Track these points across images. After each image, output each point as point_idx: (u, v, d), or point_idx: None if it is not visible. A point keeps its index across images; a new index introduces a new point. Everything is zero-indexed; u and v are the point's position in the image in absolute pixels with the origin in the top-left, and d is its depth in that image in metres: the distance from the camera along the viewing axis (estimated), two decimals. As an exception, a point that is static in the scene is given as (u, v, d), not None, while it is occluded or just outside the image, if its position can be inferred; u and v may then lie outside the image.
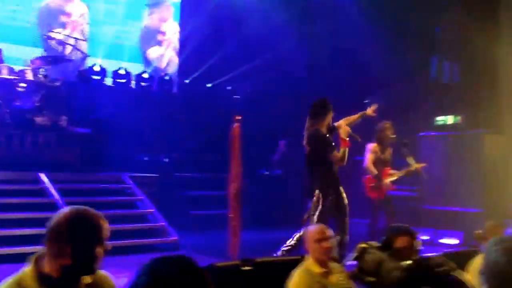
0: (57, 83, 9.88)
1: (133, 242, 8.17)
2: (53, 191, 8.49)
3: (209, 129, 11.40)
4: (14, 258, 7.05)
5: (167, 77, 12.05)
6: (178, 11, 12.61)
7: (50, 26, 10.81)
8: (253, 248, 7.75)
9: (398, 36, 11.91)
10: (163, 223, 8.86)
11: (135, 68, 11.95)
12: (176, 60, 12.38)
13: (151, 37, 12.28)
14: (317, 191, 6.32)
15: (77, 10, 11.50)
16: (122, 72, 11.45)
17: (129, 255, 7.64)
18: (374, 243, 4.09)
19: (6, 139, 8.95)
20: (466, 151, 9.90)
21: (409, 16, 11.59)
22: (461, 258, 4.53)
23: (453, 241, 9.18)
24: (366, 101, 10.63)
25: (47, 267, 2.28)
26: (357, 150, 8.10)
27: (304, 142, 6.45)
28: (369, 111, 7.37)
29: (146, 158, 10.80)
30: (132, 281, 1.80)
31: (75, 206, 2.38)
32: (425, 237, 9.05)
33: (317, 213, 6.28)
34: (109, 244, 2.40)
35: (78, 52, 10.48)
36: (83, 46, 10.83)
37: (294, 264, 5.37)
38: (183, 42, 12.48)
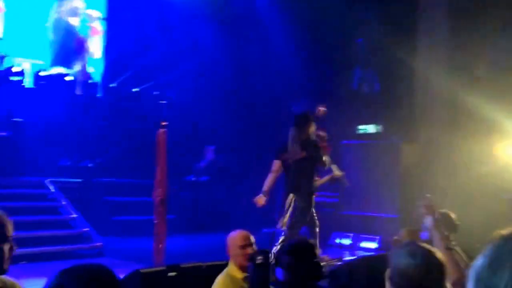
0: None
1: (56, 248, 8.01)
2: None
3: (135, 135, 11.28)
4: None
5: (91, 81, 11.81)
6: (104, 12, 12.38)
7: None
8: (180, 254, 7.77)
9: (321, 47, 12.28)
10: (87, 229, 8.71)
11: (58, 70, 11.61)
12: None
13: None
14: (291, 196, 6.94)
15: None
16: (43, 73, 11.13)
17: (52, 262, 7.47)
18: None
19: None
20: (384, 159, 10.31)
21: (330, 27, 11.97)
22: (380, 262, 4.75)
23: (372, 245, 9.56)
24: (292, 108, 10.94)
25: None
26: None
27: (296, 149, 6.72)
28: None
29: (69, 163, 10.55)
30: None
31: None
32: (347, 242, 9.37)
33: (293, 218, 6.94)
34: (14, 243, 2.42)
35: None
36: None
37: (219, 269, 5.45)
38: (108, 45, 12.27)
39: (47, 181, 9.41)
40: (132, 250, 8.63)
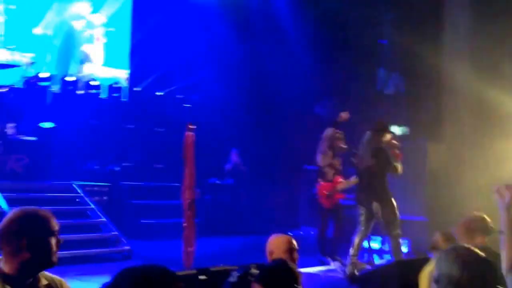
0: (3, 90, 9.68)
1: (85, 252, 8.08)
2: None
3: (160, 138, 11.37)
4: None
5: (117, 85, 11.95)
6: (129, 18, 12.53)
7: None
8: (206, 257, 7.80)
9: (344, 48, 12.25)
10: (115, 232, 8.78)
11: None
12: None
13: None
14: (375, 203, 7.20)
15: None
16: (69, 78, 11.28)
17: (81, 265, 7.54)
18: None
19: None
20: (411, 160, 10.22)
21: (353, 28, 11.93)
22: (412, 267, 4.71)
23: (403, 249, 9.42)
24: (316, 111, 10.93)
25: (6, 267, 2.43)
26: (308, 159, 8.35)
27: (366, 154, 7.08)
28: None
29: (96, 167, 10.67)
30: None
31: (20, 207, 2.54)
32: (376, 245, 9.27)
33: (371, 223, 7.30)
34: (61, 237, 2.54)
35: (24, 59, 10.32)
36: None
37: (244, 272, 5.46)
38: (133, 50, 12.40)
39: (75, 185, 9.50)
40: (160, 253, 8.67)
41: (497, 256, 2.92)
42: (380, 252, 9.10)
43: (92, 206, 9.22)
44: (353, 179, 8.39)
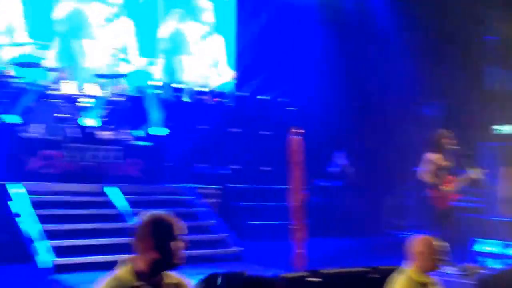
0: (121, 99, 10.28)
1: (196, 252, 8.36)
2: (119, 203, 8.83)
3: (266, 142, 11.60)
4: (83, 267, 7.40)
5: (223, 90, 12.35)
6: (234, 24, 12.94)
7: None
8: (314, 259, 7.86)
9: (448, 45, 11.92)
10: (226, 234, 9.06)
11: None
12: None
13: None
14: None
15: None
16: (179, 86, 11.79)
17: (194, 265, 7.82)
18: None
19: (72, 152, 9.32)
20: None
21: (457, 25, 11.58)
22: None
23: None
24: (424, 111, 10.72)
25: (140, 264, 2.74)
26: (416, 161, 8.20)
27: None
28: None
29: (206, 170, 11.06)
30: None
31: (153, 211, 2.85)
32: (492, 249, 8.92)
33: None
34: (186, 239, 2.80)
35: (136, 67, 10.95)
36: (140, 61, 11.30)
37: (360, 275, 5.45)
38: (239, 55, 12.76)
39: (187, 188, 9.90)
40: (269, 254, 8.83)
41: None
42: (500, 256, 8.75)
43: (203, 208, 9.58)
44: (465, 178, 8.16)
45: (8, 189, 8.20)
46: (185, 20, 12.43)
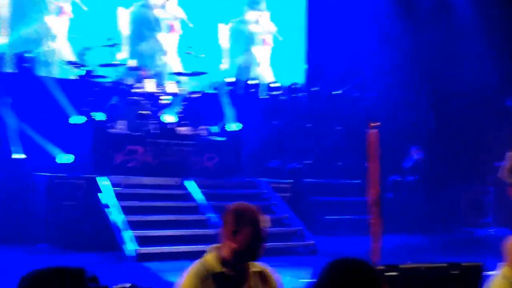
0: (197, 96, 10.58)
1: (274, 245, 8.49)
2: (197, 195, 9.10)
3: (338, 136, 11.59)
4: (163, 256, 7.69)
5: (295, 86, 12.44)
6: (305, 19, 12.99)
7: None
8: (391, 254, 7.81)
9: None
10: (300, 227, 9.15)
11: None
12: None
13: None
14: None
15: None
16: (252, 82, 11.98)
17: (270, 257, 7.95)
18: None
19: (153, 148, 9.68)
20: None
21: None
22: None
23: None
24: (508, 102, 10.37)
25: (224, 252, 2.85)
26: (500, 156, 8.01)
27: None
28: None
29: (279, 165, 11.19)
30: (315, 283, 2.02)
31: (239, 202, 2.99)
32: None
33: None
34: (267, 231, 2.87)
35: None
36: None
37: (438, 271, 5.41)
38: (310, 50, 12.81)
39: (261, 182, 10.06)
40: (344, 248, 8.85)
41: None
42: None
43: (277, 202, 9.71)
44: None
45: (98, 182, 8.64)
46: (258, 16, 12.61)
